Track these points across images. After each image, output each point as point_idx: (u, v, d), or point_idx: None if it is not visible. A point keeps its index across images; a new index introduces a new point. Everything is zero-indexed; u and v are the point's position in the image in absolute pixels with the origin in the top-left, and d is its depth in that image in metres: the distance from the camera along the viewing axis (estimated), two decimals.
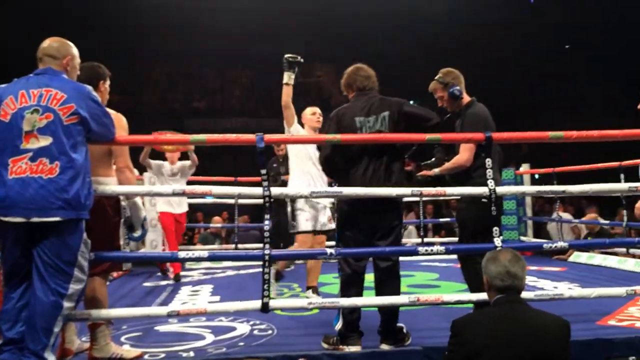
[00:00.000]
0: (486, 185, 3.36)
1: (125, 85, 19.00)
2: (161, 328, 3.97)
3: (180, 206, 6.26)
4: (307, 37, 18.89)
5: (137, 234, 3.15)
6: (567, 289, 4.88)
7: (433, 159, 3.82)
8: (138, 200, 3.19)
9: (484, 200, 3.38)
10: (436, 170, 3.70)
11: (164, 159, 6.27)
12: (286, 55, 4.17)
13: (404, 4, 18.35)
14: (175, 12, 18.08)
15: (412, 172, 3.71)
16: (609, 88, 16.38)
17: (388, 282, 3.44)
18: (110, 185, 3.08)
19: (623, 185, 3.95)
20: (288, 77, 4.24)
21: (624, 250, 6.41)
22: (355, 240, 3.39)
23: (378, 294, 3.44)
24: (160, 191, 3.70)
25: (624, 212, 6.42)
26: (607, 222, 7.34)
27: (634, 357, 3.08)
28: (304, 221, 4.58)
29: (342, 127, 3.39)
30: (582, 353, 3.10)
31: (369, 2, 18.48)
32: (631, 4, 15.38)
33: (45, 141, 2.71)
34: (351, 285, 3.40)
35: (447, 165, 3.72)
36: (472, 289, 3.63)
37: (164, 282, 6.11)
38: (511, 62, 18.46)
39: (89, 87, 2.92)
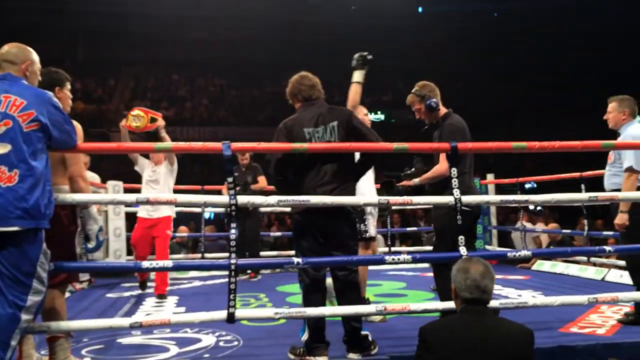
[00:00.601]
0: (465, 192, 3.41)
1: (90, 93, 18.71)
2: (124, 340, 3.89)
3: (157, 211, 5.50)
4: (277, 44, 18.95)
5: (92, 244, 3.07)
6: (531, 297, 4.96)
7: (413, 169, 3.86)
8: (93, 209, 3.11)
9: (464, 208, 3.42)
10: (416, 180, 3.75)
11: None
12: (359, 53, 3.98)
13: (377, 14, 18.59)
14: (144, 19, 17.92)
15: (392, 182, 3.74)
16: (577, 100, 16.86)
17: (347, 292, 3.42)
18: (63, 193, 3.00)
19: (583, 195, 4.03)
20: (360, 76, 3.96)
21: (585, 258, 6.55)
22: (312, 249, 3.35)
23: (339, 304, 3.43)
24: (123, 199, 3.61)
25: (585, 221, 6.57)
26: (569, 231, 7.50)
27: None
28: (372, 227, 4.49)
29: (292, 138, 3.35)
30: None
31: (340, 10, 18.65)
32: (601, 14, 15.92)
33: (3, 149, 2.63)
34: (313, 294, 3.38)
35: (427, 175, 3.77)
36: (443, 297, 3.66)
37: (127, 294, 5.98)
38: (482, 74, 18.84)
39: (50, 93, 2.85)
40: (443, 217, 3.76)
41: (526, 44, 18.47)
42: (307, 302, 3.38)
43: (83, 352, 3.60)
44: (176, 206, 6.24)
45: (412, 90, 3.90)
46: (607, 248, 3.81)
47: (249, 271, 6.86)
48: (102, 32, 18.23)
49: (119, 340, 3.88)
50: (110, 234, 6.84)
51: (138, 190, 5.82)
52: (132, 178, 6.55)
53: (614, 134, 4.21)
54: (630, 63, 17.23)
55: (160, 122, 5.13)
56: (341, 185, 3.37)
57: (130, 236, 5.84)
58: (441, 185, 3.70)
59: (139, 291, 5.98)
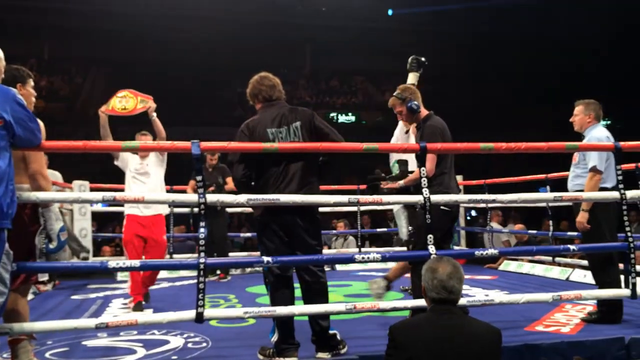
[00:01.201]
0: (445, 192, 3.45)
1: (57, 92, 18.31)
2: (89, 343, 3.81)
3: (148, 208, 4.92)
4: (247, 45, 18.86)
5: (53, 245, 2.99)
6: (498, 296, 5.03)
7: (397, 172, 3.89)
8: (55, 209, 3.04)
9: (443, 207, 3.45)
10: (401, 183, 3.78)
11: None
12: (414, 57, 4.27)
13: (347, 15, 18.67)
14: (113, 18, 17.63)
15: (378, 185, 3.76)
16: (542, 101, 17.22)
17: (314, 298, 3.40)
18: (24, 192, 2.92)
19: (549, 195, 4.13)
20: (414, 78, 4.30)
21: (550, 259, 6.69)
22: (278, 250, 3.33)
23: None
24: (88, 198, 3.54)
25: (550, 222, 6.71)
26: (535, 231, 7.64)
27: None
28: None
29: (254, 139, 3.33)
30: (511, 359, 3.20)
31: (310, 11, 18.67)
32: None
33: None
34: (280, 293, 3.35)
35: (411, 176, 3.80)
36: (416, 295, 3.71)
37: (93, 295, 5.87)
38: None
39: (15, 90, 2.78)
40: (421, 216, 3.81)
41: (497, 46, 18.76)
42: (274, 302, 3.36)
43: (47, 355, 3.51)
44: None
45: (394, 94, 3.98)
46: (572, 247, 3.90)
47: (218, 272, 6.82)
48: (69, 29, 17.86)
49: (84, 343, 3.79)
50: (76, 235, 6.70)
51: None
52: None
53: (579, 136, 4.32)
54: (603, 68, 17.71)
55: (152, 104, 4.85)
56: (307, 186, 3.36)
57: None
58: (422, 186, 3.73)
59: (106, 293, 5.88)
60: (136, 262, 3.08)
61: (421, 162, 3.49)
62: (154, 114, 4.88)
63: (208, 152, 6.59)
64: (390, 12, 19.65)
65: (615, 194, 3.79)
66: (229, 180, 6.71)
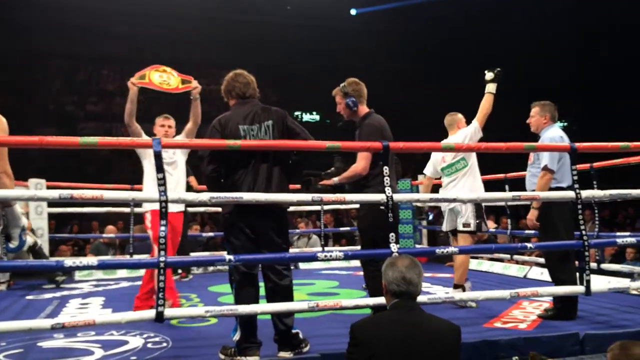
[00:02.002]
0: (383, 192, 3.46)
1: (13, 85, 17.74)
2: (45, 344, 3.71)
3: (173, 205, 4.41)
4: (212, 42, 18.67)
5: (14, 244, 2.90)
6: (458, 294, 5.11)
7: (332, 168, 3.89)
8: (17, 208, 2.95)
9: (381, 207, 3.47)
10: (335, 179, 3.76)
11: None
12: (497, 69, 4.65)
13: (312, 15, 18.65)
14: (73, 11, 17.19)
15: (311, 180, 3.75)
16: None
17: (277, 297, 3.39)
18: None
19: (507, 194, 4.21)
20: (494, 88, 4.68)
21: (508, 256, 6.83)
22: (244, 247, 3.32)
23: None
24: (44, 196, 3.44)
25: (508, 220, 6.86)
26: (494, 230, 7.79)
27: (516, 357, 3.26)
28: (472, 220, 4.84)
29: (226, 135, 3.31)
30: (470, 355, 3.25)
31: (275, 9, 18.60)
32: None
33: None
34: (245, 291, 3.33)
35: (345, 174, 3.79)
36: (372, 294, 3.73)
37: (49, 295, 5.72)
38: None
39: None
40: (364, 217, 3.86)
41: (461, 45, 19.04)
42: (238, 300, 3.34)
43: (1, 356, 3.40)
44: (103, 204, 6.02)
45: (341, 84, 3.95)
46: (529, 245, 3.99)
47: (179, 271, 6.72)
48: (27, 23, 17.32)
49: (39, 344, 3.69)
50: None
51: None
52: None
53: (535, 137, 4.43)
54: (561, 71, 18.17)
55: (196, 85, 4.52)
56: (277, 185, 3.36)
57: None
58: (360, 185, 3.77)
59: (63, 293, 5.74)
60: (94, 261, 3.01)
61: (384, 160, 3.52)
62: (198, 96, 4.60)
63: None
64: (353, 11, 19.75)
65: (570, 194, 3.89)
66: (191, 179, 6.63)
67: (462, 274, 4.86)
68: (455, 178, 4.81)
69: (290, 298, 3.45)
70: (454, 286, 4.86)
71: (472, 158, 4.83)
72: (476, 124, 4.73)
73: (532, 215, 4.18)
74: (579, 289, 3.86)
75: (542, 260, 6.37)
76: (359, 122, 3.92)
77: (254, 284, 3.40)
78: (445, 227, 5.07)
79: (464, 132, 4.78)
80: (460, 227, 4.85)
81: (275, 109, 3.49)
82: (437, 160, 5.05)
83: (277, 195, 3.29)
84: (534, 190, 4.20)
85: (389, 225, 3.43)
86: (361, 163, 3.69)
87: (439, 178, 5.16)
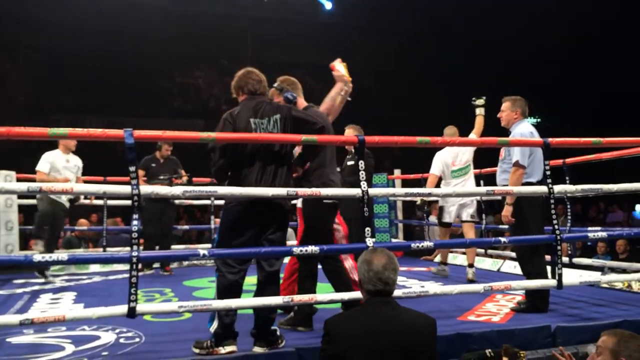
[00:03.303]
0: (323, 185, 3.51)
1: None
2: (14, 340, 3.63)
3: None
4: (188, 36, 18.46)
5: None
6: (432, 287, 5.16)
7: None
8: None
9: (326, 201, 3.50)
10: None
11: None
12: (484, 98, 5.54)
13: (288, 9, 18.57)
14: (46, 3, 16.83)
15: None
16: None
17: (269, 287, 3.41)
18: None
19: (482, 189, 4.25)
20: (483, 111, 5.59)
21: (482, 251, 6.91)
22: (241, 243, 3.30)
23: (257, 296, 3.40)
24: (12, 188, 3.35)
25: (483, 215, 6.93)
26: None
27: (489, 350, 3.28)
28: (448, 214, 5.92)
29: (238, 128, 3.36)
30: (444, 347, 3.27)
31: (252, 3, 18.47)
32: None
33: None
34: (229, 290, 3.30)
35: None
36: (337, 288, 3.79)
37: (20, 290, 5.60)
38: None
39: None
40: (308, 214, 3.87)
41: (437, 43, 19.16)
42: (220, 293, 3.30)
43: None
44: (74, 197, 5.91)
45: (273, 85, 3.93)
46: (502, 239, 4.03)
47: (154, 265, 6.64)
48: None
49: (8, 340, 3.61)
50: (0, 228, 6.38)
51: None
52: None
53: (507, 132, 4.47)
54: (536, 68, 18.41)
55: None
56: (282, 181, 3.38)
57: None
58: (302, 178, 3.76)
59: (33, 288, 5.63)
60: (64, 255, 2.94)
61: (360, 155, 3.52)
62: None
63: (165, 142, 6.50)
64: (329, 6, 19.72)
65: (543, 189, 3.94)
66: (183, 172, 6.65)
67: (473, 254, 5.91)
68: (463, 180, 5.62)
69: (277, 288, 3.48)
70: (469, 265, 5.82)
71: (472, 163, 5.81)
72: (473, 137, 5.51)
73: (507, 211, 4.23)
74: (551, 282, 3.92)
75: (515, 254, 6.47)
76: None
77: (240, 287, 3.37)
78: (449, 218, 5.91)
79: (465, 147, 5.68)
80: (469, 218, 5.84)
81: (281, 104, 3.58)
82: (447, 164, 5.78)
83: (252, 189, 3.26)
84: (505, 186, 4.24)
85: (330, 218, 3.45)
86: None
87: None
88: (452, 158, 5.75)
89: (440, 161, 5.80)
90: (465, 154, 5.75)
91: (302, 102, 3.95)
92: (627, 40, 16.56)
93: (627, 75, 16.56)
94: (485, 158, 6.26)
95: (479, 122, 5.67)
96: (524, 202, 4.18)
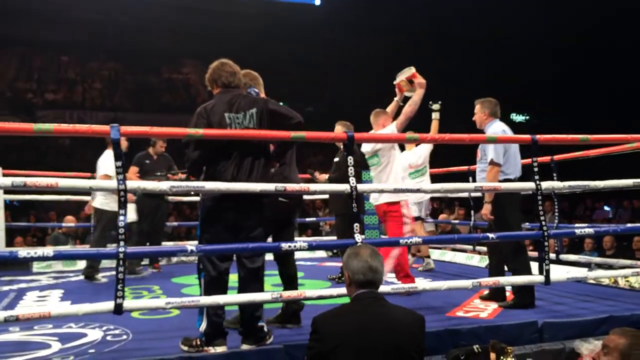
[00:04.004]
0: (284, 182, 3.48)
1: None
2: (0, 337, 3.59)
3: (379, 197, 4.85)
4: (176, 31, 18.38)
5: None
6: (421, 283, 5.17)
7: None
8: None
9: (281, 199, 3.53)
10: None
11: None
12: (440, 102, 5.70)
13: (276, 6, 18.53)
14: None
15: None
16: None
17: (251, 285, 3.38)
18: None
19: (470, 185, 4.27)
20: (439, 115, 5.76)
21: (471, 247, 6.93)
22: (220, 239, 3.28)
23: (240, 293, 3.38)
24: None
25: (472, 212, 6.95)
26: (457, 221, 7.90)
27: (477, 346, 3.29)
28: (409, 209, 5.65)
29: (212, 123, 3.31)
30: (433, 343, 3.28)
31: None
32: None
33: None
34: (215, 288, 3.29)
35: None
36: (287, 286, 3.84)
37: (6, 288, 5.54)
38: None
39: None
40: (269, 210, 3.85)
41: (431, 41, 19.21)
42: (207, 291, 3.28)
43: None
44: (60, 192, 5.86)
45: None
46: (490, 235, 4.03)
47: (143, 262, 6.60)
48: None
49: None
50: None
51: None
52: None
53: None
54: (523, 68, 18.52)
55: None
56: (259, 175, 3.35)
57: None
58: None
59: (20, 285, 5.57)
60: (49, 251, 2.91)
61: (348, 151, 3.51)
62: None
63: (160, 139, 6.49)
64: (317, 2, 19.72)
65: (531, 185, 3.96)
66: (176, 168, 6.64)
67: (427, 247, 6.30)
68: (420, 180, 6.03)
69: (261, 286, 3.44)
70: (426, 257, 6.38)
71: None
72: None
73: (486, 209, 4.31)
74: (539, 278, 3.93)
75: None
76: None
77: (225, 282, 3.36)
78: (415, 212, 6.06)
79: (422, 151, 6.17)
80: (422, 216, 6.35)
81: (256, 97, 3.50)
82: (405, 166, 5.93)
83: (240, 184, 3.24)
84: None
85: (282, 216, 3.42)
86: None
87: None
88: (412, 160, 6.11)
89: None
90: (421, 157, 6.12)
91: (263, 98, 3.84)
92: (624, 41, 16.69)
93: (619, 75, 16.73)
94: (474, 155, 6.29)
95: (434, 126, 5.83)
96: (503, 199, 4.23)
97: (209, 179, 3.27)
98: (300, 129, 3.42)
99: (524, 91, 18.12)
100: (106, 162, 5.71)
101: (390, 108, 5.04)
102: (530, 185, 3.95)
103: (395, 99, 5.04)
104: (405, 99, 4.82)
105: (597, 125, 9.45)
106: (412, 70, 4.78)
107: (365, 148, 4.89)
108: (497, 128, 4.41)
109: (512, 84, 17.96)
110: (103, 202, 5.81)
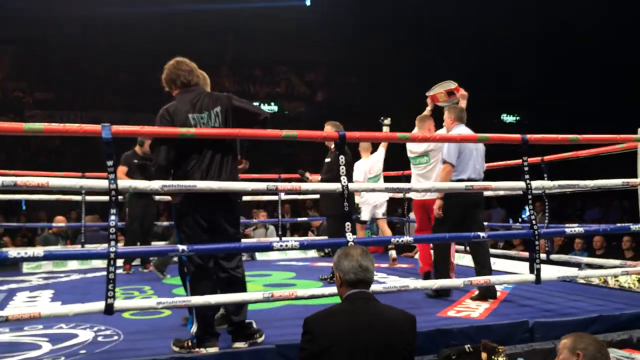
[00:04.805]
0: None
1: None
2: None
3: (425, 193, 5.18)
4: (163, 30, 18.30)
5: None
6: (413, 283, 5.18)
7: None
8: None
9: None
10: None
11: None
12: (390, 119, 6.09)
13: (270, 6, 18.53)
14: None
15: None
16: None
17: (230, 287, 3.34)
18: None
19: (460, 185, 4.27)
20: (387, 130, 6.05)
21: (462, 247, 6.94)
22: (197, 238, 3.24)
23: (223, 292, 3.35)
24: None
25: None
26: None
27: (469, 345, 3.31)
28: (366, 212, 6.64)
29: (176, 125, 3.23)
30: (423, 343, 3.29)
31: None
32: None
33: None
34: (200, 284, 3.26)
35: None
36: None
37: None
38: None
39: None
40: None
41: (424, 40, 19.23)
42: (194, 292, 3.27)
43: None
44: (51, 192, 5.82)
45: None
46: (482, 234, 4.05)
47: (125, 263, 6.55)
48: None
49: None
50: None
51: None
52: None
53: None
54: (515, 67, 18.59)
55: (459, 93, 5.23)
56: (229, 173, 3.31)
57: None
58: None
59: (10, 286, 5.54)
60: (39, 252, 2.90)
61: (340, 150, 3.52)
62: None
63: (146, 138, 6.36)
64: (307, 2, 19.73)
65: (521, 184, 3.98)
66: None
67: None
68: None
69: (243, 289, 3.41)
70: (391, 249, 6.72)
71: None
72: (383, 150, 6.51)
73: (436, 205, 4.56)
74: (530, 277, 3.96)
75: (494, 251, 6.56)
76: None
77: (210, 275, 3.34)
78: (366, 217, 6.62)
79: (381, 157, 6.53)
80: (381, 215, 6.77)
81: (219, 94, 3.41)
82: (365, 172, 6.31)
83: (232, 183, 3.24)
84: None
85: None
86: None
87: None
88: (369, 167, 6.44)
89: (362, 170, 6.34)
90: (377, 165, 6.54)
91: None
92: (618, 40, 16.80)
93: (610, 73, 16.85)
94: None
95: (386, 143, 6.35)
96: (447, 200, 4.47)
97: (178, 179, 3.21)
98: (267, 126, 3.39)
99: (514, 92, 18.26)
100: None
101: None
102: (521, 184, 3.98)
103: (428, 108, 5.48)
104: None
105: (588, 126, 9.50)
106: (453, 84, 5.26)
107: (416, 148, 5.17)
108: (462, 131, 4.62)
109: (502, 85, 18.08)
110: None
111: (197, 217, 3.26)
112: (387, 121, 6.21)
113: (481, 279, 3.95)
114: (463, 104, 5.20)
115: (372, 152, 6.61)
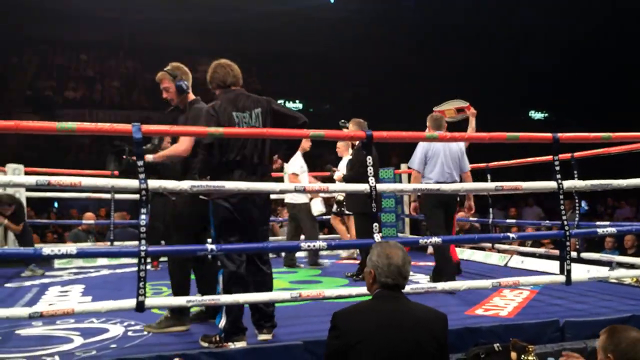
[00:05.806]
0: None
1: None
2: (23, 332, 3.66)
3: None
4: (188, 29, 18.46)
5: None
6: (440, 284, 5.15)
7: (149, 145, 3.90)
8: None
9: (202, 197, 3.46)
10: (150, 157, 3.53)
11: None
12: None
13: (293, 3, 18.56)
14: None
15: (125, 150, 3.53)
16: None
17: (265, 288, 3.46)
18: None
19: (490, 185, 4.23)
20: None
21: (489, 245, 6.89)
22: (233, 234, 3.32)
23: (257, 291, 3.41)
24: (21, 182, 3.36)
25: (490, 210, 6.90)
26: (475, 219, 7.83)
27: (498, 344, 3.28)
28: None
29: (222, 122, 3.32)
30: (452, 341, 3.25)
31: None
32: None
33: None
34: (236, 285, 3.31)
35: (163, 153, 3.69)
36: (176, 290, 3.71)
37: (28, 283, 5.64)
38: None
39: None
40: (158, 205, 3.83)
41: (441, 37, 19.06)
42: (229, 290, 3.30)
43: None
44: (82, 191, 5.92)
45: (165, 69, 3.84)
46: (511, 235, 4.01)
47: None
48: (2, 6, 16.94)
49: (18, 332, 3.64)
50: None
51: None
52: None
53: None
54: (547, 66, 18.31)
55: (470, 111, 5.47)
56: (267, 174, 3.41)
57: None
58: (182, 167, 3.68)
59: (42, 280, 5.66)
60: (73, 249, 2.95)
61: (367, 149, 3.51)
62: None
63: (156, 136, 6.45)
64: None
65: (552, 184, 3.92)
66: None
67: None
68: None
69: (272, 286, 3.50)
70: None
71: None
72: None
73: (412, 206, 5.19)
74: (560, 278, 3.90)
75: (522, 248, 6.48)
76: (188, 106, 3.80)
77: (244, 273, 3.38)
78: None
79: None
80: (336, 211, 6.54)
81: (259, 97, 3.52)
82: None
83: (260, 184, 3.26)
84: None
85: (202, 213, 3.41)
86: (184, 144, 3.54)
87: None
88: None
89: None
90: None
91: (191, 95, 3.83)
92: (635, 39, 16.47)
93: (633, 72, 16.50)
94: (493, 152, 6.25)
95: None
96: (424, 198, 4.79)
97: (219, 176, 3.27)
98: (306, 129, 3.47)
99: (541, 89, 17.99)
100: (293, 162, 5.79)
101: None
102: (552, 184, 3.92)
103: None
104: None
105: (615, 121, 9.31)
106: (465, 103, 5.43)
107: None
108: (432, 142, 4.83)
109: (530, 82, 17.82)
110: (291, 197, 6.00)
111: (234, 213, 3.31)
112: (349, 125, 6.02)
113: (510, 280, 3.90)
114: (472, 121, 5.32)
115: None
